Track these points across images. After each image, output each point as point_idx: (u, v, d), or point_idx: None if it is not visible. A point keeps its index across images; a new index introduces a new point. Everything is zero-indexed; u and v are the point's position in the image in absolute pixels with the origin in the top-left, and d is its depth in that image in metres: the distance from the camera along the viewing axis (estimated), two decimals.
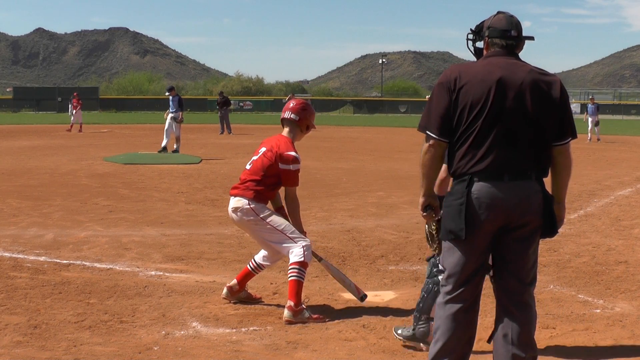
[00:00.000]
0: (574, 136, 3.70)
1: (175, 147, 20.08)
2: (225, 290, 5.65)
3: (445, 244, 3.69)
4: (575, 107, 65.47)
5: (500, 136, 3.52)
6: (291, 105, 5.63)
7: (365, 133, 34.62)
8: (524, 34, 3.73)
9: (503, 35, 3.65)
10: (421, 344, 4.64)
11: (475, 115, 3.53)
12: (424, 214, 3.81)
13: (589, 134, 29.22)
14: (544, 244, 7.90)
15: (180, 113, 20.12)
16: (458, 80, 3.57)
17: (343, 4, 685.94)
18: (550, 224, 3.63)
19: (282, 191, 5.60)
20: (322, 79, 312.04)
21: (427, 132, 3.62)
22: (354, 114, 72.22)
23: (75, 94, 35.39)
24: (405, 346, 4.69)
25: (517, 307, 3.64)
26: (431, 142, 3.61)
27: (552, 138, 3.62)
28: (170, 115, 20.15)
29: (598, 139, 28.81)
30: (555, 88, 3.61)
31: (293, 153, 5.40)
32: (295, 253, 5.31)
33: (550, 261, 7.23)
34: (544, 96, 3.57)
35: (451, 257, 3.65)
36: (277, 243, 5.40)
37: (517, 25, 3.68)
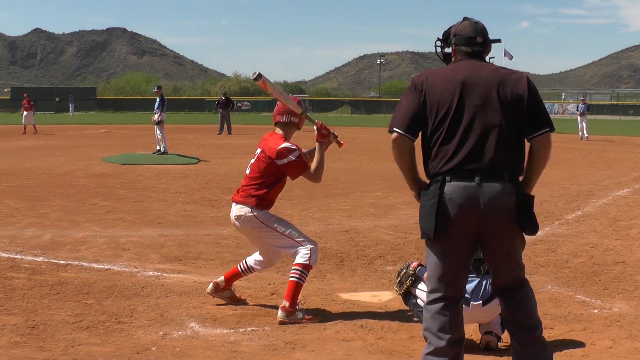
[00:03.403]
0: (551, 127, 3.71)
1: (157, 147, 19.81)
2: (211, 285, 5.63)
3: (426, 246, 3.77)
4: (572, 107, 65.65)
5: (468, 134, 3.59)
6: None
7: (363, 133, 34.60)
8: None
9: (469, 43, 3.76)
10: None
11: (443, 115, 3.62)
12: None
13: (580, 133, 29.90)
14: (541, 244, 7.93)
15: (157, 113, 19.65)
16: (425, 83, 3.69)
17: (341, 5, 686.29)
18: (528, 223, 3.63)
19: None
20: (320, 79, 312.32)
21: (395, 129, 3.68)
22: (352, 114, 72.24)
23: (25, 95, 33.68)
24: None
25: (514, 297, 3.75)
26: (394, 136, 3.68)
27: (527, 132, 3.66)
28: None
29: (582, 138, 29.43)
30: (522, 83, 3.66)
31: (284, 145, 5.29)
32: (302, 254, 5.28)
33: (548, 261, 7.24)
34: (510, 92, 3.63)
35: (430, 257, 3.74)
36: (284, 248, 5.37)
37: (482, 32, 3.77)
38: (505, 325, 3.87)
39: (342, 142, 5.58)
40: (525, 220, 3.61)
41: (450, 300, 3.70)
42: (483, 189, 3.55)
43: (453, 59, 3.83)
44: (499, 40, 3.87)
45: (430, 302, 3.73)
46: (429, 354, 3.69)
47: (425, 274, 4.73)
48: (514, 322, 3.75)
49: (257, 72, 5.14)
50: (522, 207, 3.60)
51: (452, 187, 3.57)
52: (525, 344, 3.71)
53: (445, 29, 3.89)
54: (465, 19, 3.84)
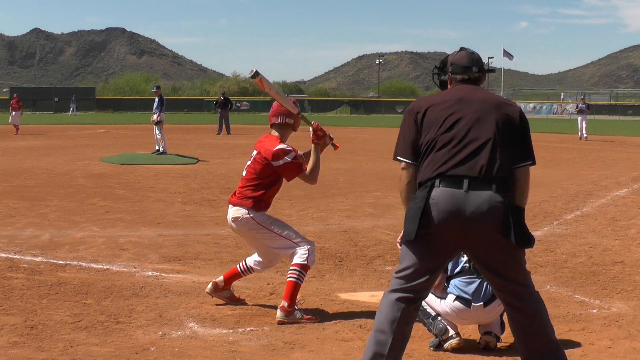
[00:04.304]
0: (534, 161, 3.76)
1: (156, 147, 19.78)
2: (210, 285, 5.63)
3: (403, 244, 3.77)
4: (571, 107, 65.82)
5: (461, 144, 3.64)
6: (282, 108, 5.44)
7: (362, 133, 34.63)
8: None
9: (464, 72, 3.89)
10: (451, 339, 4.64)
11: (439, 127, 3.69)
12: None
13: (579, 133, 30.11)
14: (540, 245, 7.93)
15: (157, 114, 19.60)
16: (421, 105, 3.80)
17: (340, 5, 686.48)
18: (517, 234, 3.55)
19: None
20: (319, 79, 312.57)
21: (399, 157, 3.79)
22: (350, 114, 72.32)
23: (15, 95, 33.93)
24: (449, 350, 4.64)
25: (521, 302, 3.70)
26: (402, 165, 3.79)
27: (514, 159, 3.68)
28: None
29: (580, 138, 29.61)
30: (515, 112, 3.77)
31: (280, 146, 5.30)
32: (299, 255, 5.29)
33: (547, 261, 7.24)
34: (506, 115, 3.72)
35: (407, 253, 3.73)
36: (281, 248, 5.37)
37: (478, 62, 3.91)
38: (513, 334, 3.81)
39: (337, 145, 5.58)
40: (514, 230, 3.53)
41: (413, 295, 3.68)
42: (470, 197, 3.55)
43: (449, 86, 3.94)
44: (493, 70, 4.05)
45: (392, 291, 3.70)
46: (373, 339, 3.69)
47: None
48: (521, 329, 3.72)
49: (255, 70, 5.15)
50: (510, 218, 3.55)
51: (439, 192, 3.59)
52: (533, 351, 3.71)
53: (443, 58, 4.03)
54: (462, 49, 3.97)
